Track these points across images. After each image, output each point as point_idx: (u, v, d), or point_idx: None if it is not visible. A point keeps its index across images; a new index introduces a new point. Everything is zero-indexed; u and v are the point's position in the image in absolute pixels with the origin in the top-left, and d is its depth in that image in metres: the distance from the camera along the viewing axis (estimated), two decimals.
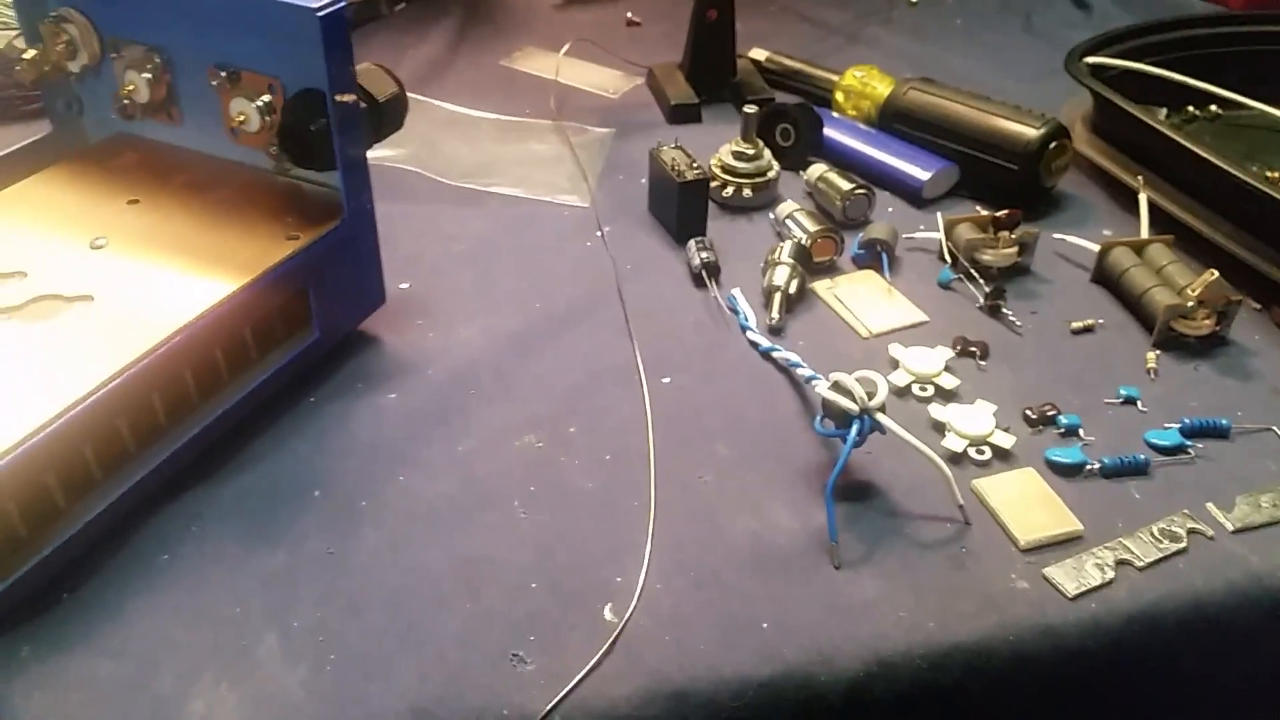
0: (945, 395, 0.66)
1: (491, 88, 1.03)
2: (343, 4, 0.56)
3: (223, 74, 0.62)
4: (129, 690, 0.48)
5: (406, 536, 0.55)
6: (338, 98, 0.58)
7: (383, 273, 0.68)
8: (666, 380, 0.66)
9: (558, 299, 0.74)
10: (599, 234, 0.81)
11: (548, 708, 0.47)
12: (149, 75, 0.64)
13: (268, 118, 0.62)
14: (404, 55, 1.07)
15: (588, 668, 0.49)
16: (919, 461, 0.58)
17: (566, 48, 1.06)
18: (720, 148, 0.85)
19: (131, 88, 0.65)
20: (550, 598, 0.52)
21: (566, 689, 0.48)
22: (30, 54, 0.65)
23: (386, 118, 0.64)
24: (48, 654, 0.49)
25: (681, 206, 0.78)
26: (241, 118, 0.62)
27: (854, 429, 0.55)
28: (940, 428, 0.63)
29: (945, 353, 0.69)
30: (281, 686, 0.48)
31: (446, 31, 1.13)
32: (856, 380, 0.56)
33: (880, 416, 0.55)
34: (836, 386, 0.56)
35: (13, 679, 0.47)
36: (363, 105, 0.61)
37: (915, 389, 0.66)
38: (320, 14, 0.55)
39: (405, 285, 0.74)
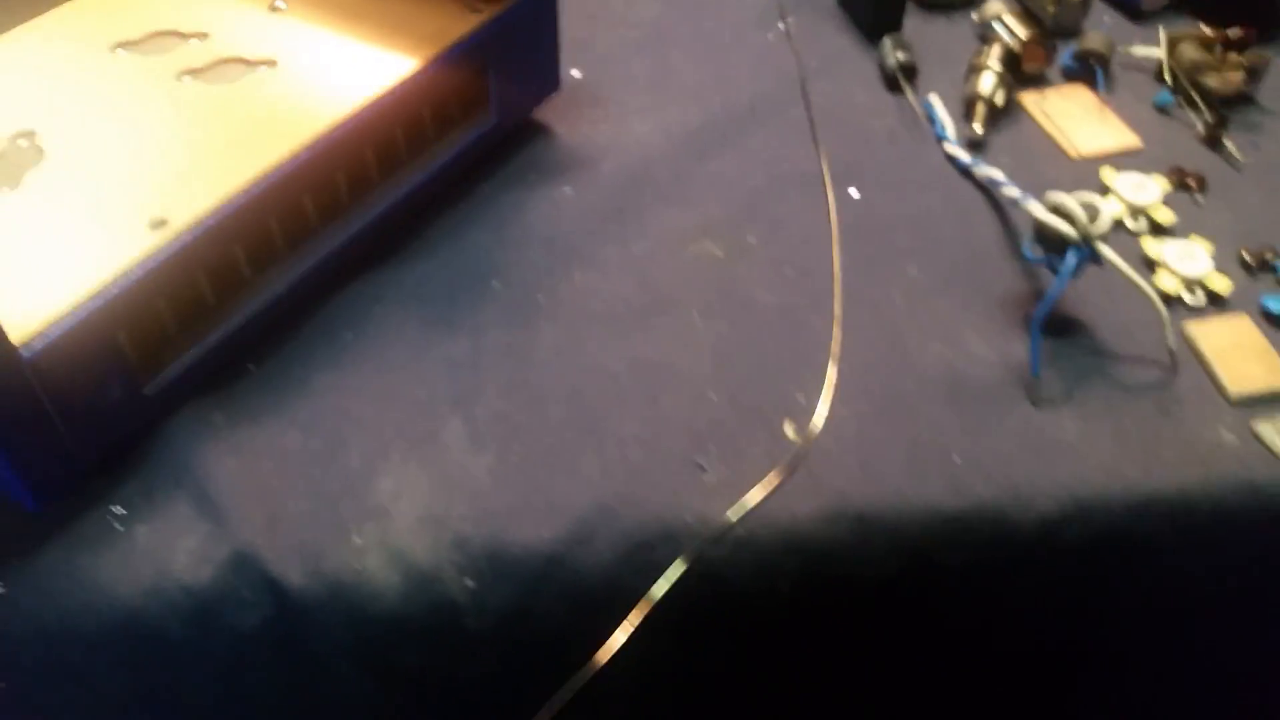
0: (1158, 230, 0.61)
1: None
2: None
3: None
4: (319, 462, 0.48)
5: (584, 335, 0.54)
6: None
7: (559, 57, 0.64)
8: (854, 192, 0.63)
9: (738, 95, 0.70)
10: (782, 25, 0.75)
11: (731, 517, 0.47)
12: None
13: None
14: None
15: (771, 484, 0.48)
16: (1126, 298, 0.54)
17: None
18: None
19: None
20: (729, 410, 0.51)
21: (749, 501, 0.47)
22: None
23: None
24: (239, 422, 0.50)
25: None
26: None
27: (1071, 258, 0.51)
28: (1151, 264, 0.59)
29: (1161, 183, 0.63)
30: (468, 471, 0.48)
31: None
32: (1078, 203, 0.51)
33: (1101, 246, 0.51)
34: (1055, 208, 0.52)
35: (207, 443, 0.49)
36: None
37: (1127, 221, 0.61)
38: None
39: (576, 73, 0.70)
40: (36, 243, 0.46)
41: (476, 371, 0.52)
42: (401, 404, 0.51)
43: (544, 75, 0.64)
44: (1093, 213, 0.51)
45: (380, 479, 0.48)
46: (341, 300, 0.55)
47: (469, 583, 0.46)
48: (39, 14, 0.58)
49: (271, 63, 0.55)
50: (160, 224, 0.46)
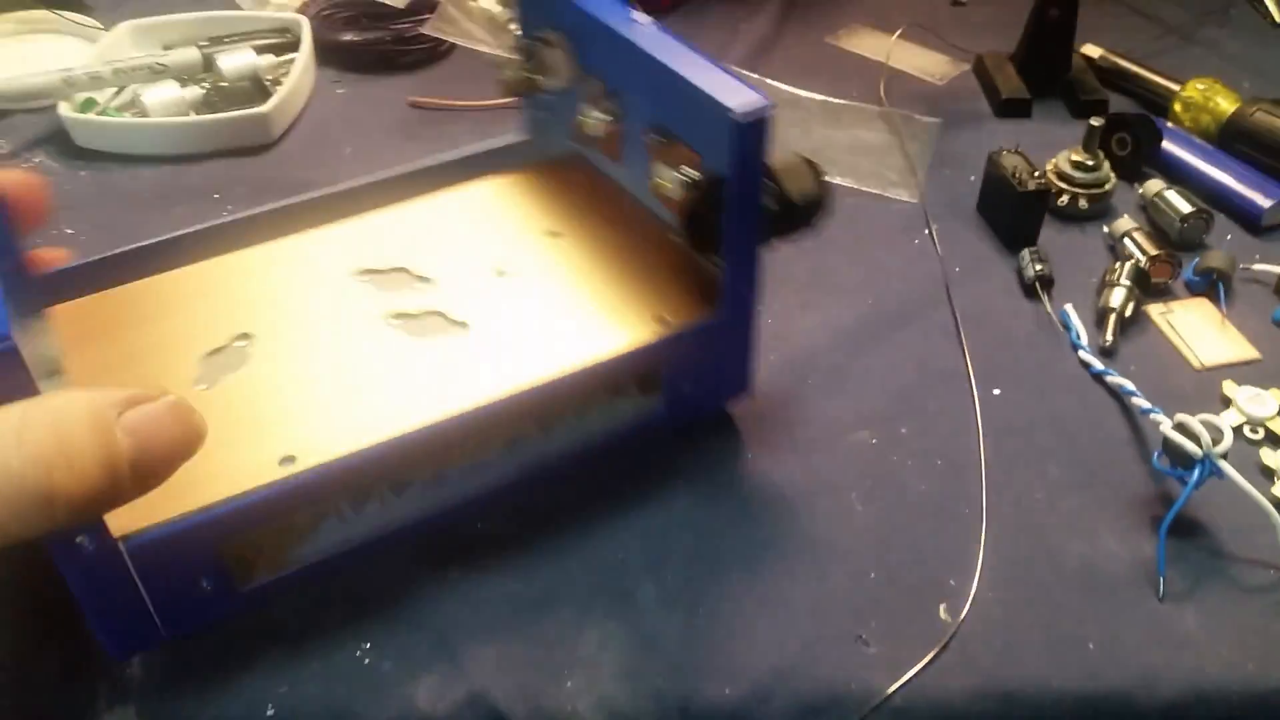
0: (1276, 440, 0.67)
1: (818, 67, 1.07)
2: (767, 111, 0.51)
3: (655, 135, 0.60)
4: (536, 611, 0.57)
5: (757, 512, 0.63)
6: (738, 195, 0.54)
7: (753, 362, 0.64)
8: (997, 392, 0.71)
9: (888, 296, 0.79)
10: (927, 232, 0.85)
11: (891, 689, 0.54)
12: (603, 115, 0.65)
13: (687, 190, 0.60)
14: (736, 32, 1.13)
15: (926, 659, 0.55)
16: (1245, 504, 0.60)
17: (900, 31, 1.08)
18: (1058, 154, 0.86)
19: (589, 121, 0.66)
20: (888, 589, 0.59)
21: (908, 675, 0.55)
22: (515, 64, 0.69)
23: (798, 217, 0.57)
24: (470, 574, 0.59)
25: (1018, 215, 0.80)
26: (663, 182, 0.61)
27: (1196, 473, 0.58)
28: (1269, 473, 0.65)
29: (1278, 396, 0.69)
30: (660, 632, 0.56)
31: (776, 5, 1.18)
32: (1202, 424, 0.58)
33: (1222, 464, 0.58)
34: (1180, 428, 0.59)
35: (444, 596, 0.58)
36: (772, 207, 0.55)
37: (1246, 430, 0.68)
38: (740, 120, 0.51)
39: None
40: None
41: (665, 540, 0.61)
42: (602, 566, 0.59)
43: (729, 377, 0.64)
44: (1216, 434, 0.58)
45: (587, 630, 0.56)
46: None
47: None
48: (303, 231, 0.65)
49: (464, 326, 0.60)
50: (288, 460, 0.50)
